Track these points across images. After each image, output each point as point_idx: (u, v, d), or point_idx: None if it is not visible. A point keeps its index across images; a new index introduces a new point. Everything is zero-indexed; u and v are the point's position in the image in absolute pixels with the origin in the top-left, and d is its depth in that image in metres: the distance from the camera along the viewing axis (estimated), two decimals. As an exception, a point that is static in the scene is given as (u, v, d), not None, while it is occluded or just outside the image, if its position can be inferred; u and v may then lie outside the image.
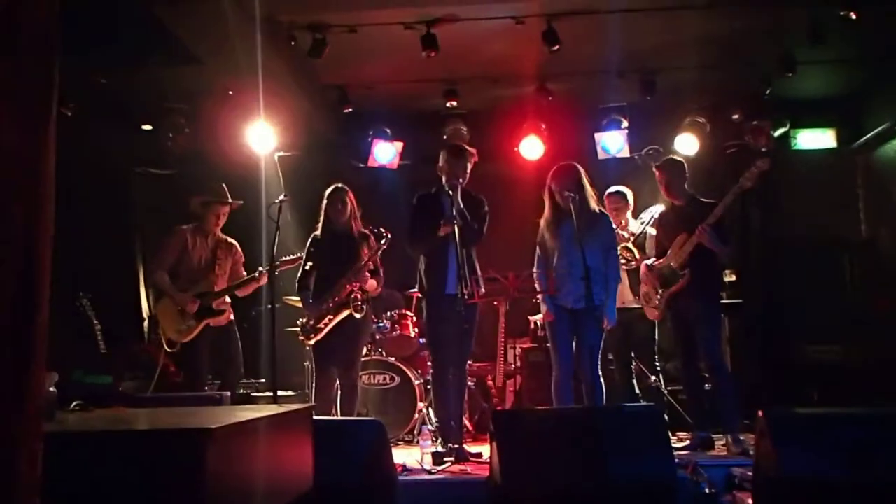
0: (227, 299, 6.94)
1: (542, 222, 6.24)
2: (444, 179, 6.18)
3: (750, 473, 4.53)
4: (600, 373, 6.05)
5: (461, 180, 6.14)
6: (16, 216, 1.44)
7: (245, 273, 6.96)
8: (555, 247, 6.11)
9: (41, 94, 1.52)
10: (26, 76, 1.49)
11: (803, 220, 8.60)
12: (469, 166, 6.20)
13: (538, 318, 7.25)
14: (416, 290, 7.53)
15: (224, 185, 6.99)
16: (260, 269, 6.80)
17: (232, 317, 6.97)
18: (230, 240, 7.05)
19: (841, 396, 7.00)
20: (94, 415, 3.32)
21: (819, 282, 8.45)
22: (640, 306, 6.76)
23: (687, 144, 8.22)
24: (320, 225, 6.51)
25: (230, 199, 6.95)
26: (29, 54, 1.50)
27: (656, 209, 6.79)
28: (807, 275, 8.49)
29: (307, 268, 6.47)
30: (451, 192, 6.04)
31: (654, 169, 6.54)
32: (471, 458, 5.91)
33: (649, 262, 6.50)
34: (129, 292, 8.74)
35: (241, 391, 7.44)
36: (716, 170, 8.11)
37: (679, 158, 6.70)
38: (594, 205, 6.15)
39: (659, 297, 6.31)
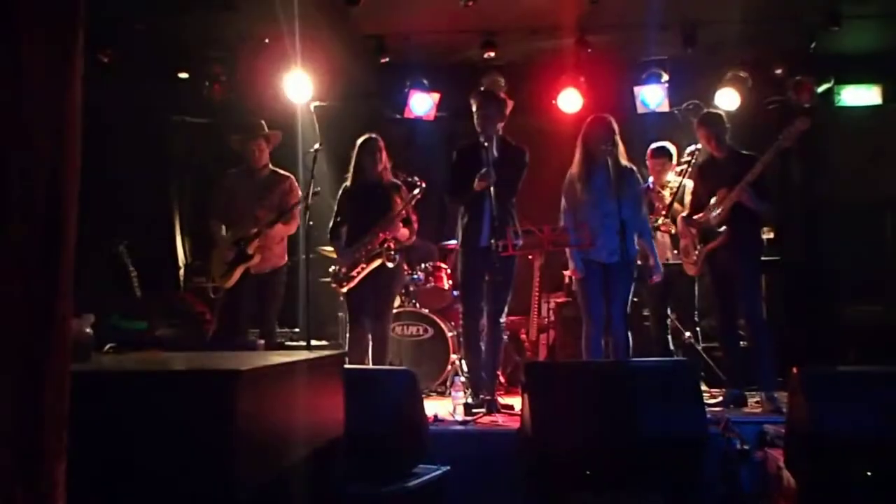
0: (280, 242, 6.73)
1: (571, 173, 6.18)
2: (479, 129, 6.13)
3: (782, 430, 4.50)
4: (628, 326, 6.01)
5: (497, 129, 6.11)
6: (42, 148, 1.43)
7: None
8: (585, 199, 6.05)
9: (66, 23, 1.49)
10: (51, 4, 1.47)
11: (846, 178, 8.42)
12: (501, 113, 6.17)
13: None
14: (450, 242, 7.54)
15: (262, 121, 6.84)
16: (297, 201, 6.58)
17: (281, 263, 6.75)
18: (282, 172, 6.81)
19: (881, 357, 6.89)
20: (128, 357, 3.37)
21: (860, 240, 8.31)
22: (679, 262, 6.71)
23: (728, 99, 8.05)
24: (351, 175, 6.47)
25: (266, 131, 6.76)
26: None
27: (691, 148, 6.68)
28: (848, 233, 8.35)
29: (338, 219, 6.45)
30: (486, 144, 5.99)
31: (695, 123, 6.44)
32: (502, 410, 5.95)
33: (684, 214, 6.42)
34: (166, 240, 8.80)
35: (277, 340, 7.44)
36: (757, 126, 7.93)
37: (718, 111, 6.59)
38: (624, 160, 6.08)
39: (697, 251, 6.25)
